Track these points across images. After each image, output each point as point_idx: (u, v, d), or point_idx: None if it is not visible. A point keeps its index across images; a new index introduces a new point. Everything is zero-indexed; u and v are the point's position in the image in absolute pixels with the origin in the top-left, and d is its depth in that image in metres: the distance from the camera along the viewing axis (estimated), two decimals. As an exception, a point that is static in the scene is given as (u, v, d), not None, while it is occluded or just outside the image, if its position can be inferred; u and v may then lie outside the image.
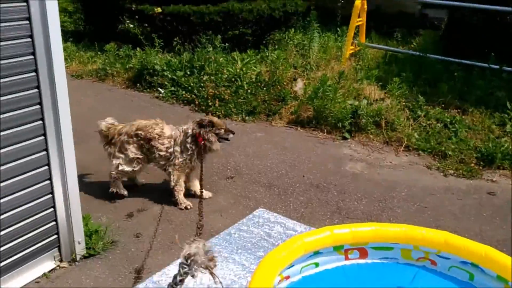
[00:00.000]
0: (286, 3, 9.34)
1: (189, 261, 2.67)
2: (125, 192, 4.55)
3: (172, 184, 4.44)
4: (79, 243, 3.63)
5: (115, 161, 4.45)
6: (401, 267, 3.42)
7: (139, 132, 4.41)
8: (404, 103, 6.58)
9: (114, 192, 4.51)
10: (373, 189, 4.86)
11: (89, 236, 3.76)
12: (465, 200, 4.70)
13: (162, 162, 4.48)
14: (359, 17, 8.85)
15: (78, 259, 3.63)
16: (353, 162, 5.48)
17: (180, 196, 4.46)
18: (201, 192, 4.37)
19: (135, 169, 4.48)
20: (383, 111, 6.22)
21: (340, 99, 6.46)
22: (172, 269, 3.52)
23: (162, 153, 4.40)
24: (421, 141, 5.83)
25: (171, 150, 4.40)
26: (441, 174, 5.24)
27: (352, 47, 8.96)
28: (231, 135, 4.51)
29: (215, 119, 4.50)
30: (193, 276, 2.67)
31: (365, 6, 8.92)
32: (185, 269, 2.66)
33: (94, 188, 4.70)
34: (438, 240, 3.31)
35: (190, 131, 4.39)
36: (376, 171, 5.28)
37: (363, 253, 3.47)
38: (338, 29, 9.30)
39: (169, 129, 4.48)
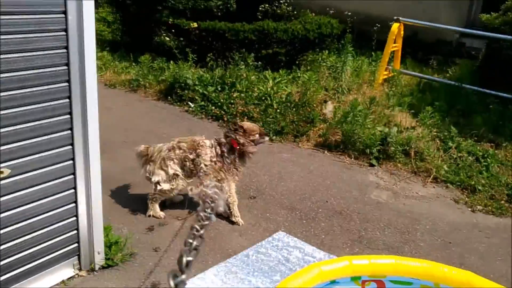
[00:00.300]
0: (322, 25, 9.35)
1: (209, 205, 2.54)
2: (163, 215, 4.49)
3: (226, 196, 4.37)
4: (98, 253, 3.67)
5: (154, 178, 4.37)
6: (419, 304, 3.32)
7: (182, 144, 4.39)
8: (435, 133, 6.46)
9: (151, 215, 4.46)
10: (397, 219, 4.77)
11: (109, 247, 3.79)
12: (493, 238, 4.55)
13: (209, 173, 4.36)
14: (395, 42, 8.78)
15: (96, 269, 3.66)
16: (379, 190, 5.39)
17: (235, 208, 4.43)
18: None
19: (173, 187, 4.40)
20: (413, 140, 6.11)
21: (370, 125, 6.39)
22: (188, 287, 3.50)
23: (207, 163, 4.32)
24: (450, 174, 5.70)
25: (214, 159, 4.35)
26: (469, 209, 5.10)
27: (385, 73, 8.88)
28: (266, 138, 4.56)
29: (246, 124, 4.46)
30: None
31: (402, 32, 8.86)
32: (207, 214, 2.52)
33: (117, 199, 4.76)
34: (460, 280, 3.19)
35: (222, 139, 4.40)
36: (402, 201, 5.18)
37: (380, 286, 3.37)
38: (372, 53, 9.24)
39: (207, 141, 4.44)
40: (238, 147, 4.32)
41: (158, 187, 4.39)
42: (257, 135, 4.41)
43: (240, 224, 4.41)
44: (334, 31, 9.63)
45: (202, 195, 2.57)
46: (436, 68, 9.78)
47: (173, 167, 4.37)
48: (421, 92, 8.33)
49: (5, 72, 2.87)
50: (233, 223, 4.45)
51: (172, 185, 4.40)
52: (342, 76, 8.34)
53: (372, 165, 6.00)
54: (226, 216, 4.48)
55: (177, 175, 4.38)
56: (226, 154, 4.34)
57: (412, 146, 6.09)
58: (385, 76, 8.90)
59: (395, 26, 8.64)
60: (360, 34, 10.31)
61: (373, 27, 9.58)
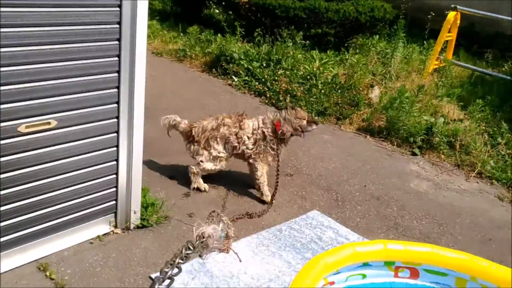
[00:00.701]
0: (374, 8, 9.11)
1: (197, 242, 2.66)
2: (207, 188, 4.48)
3: (257, 176, 4.37)
4: (134, 212, 3.72)
5: (198, 158, 4.39)
6: (453, 295, 3.23)
7: (226, 120, 4.37)
8: (484, 128, 6.22)
9: (195, 188, 4.46)
10: (436, 211, 4.63)
11: (145, 208, 3.84)
12: (536, 239, 4.37)
13: (247, 154, 4.39)
14: (449, 31, 8.47)
15: (131, 227, 3.72)
16: (419, 180, 5.25)
17: (265, 188, 4.38)
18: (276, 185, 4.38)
19: (217, 167, 4.42)
20: (459, 132, 5.90)
21: (416, 113, 6.20)
22: (219, 254, 3.52)
23: (247, 143, 4.33)
24: (497, 170, 5.48)
25: (252, 140, 4.34)
26: (514, 208, 4.91)
27: (436, 62, 8.60)
28: (314, 126, 4.44)
29: (298, 109, 4.44)
30: (200, 256, 2.66)
31: (458, 22, 8.52)
32: (188, 251, 2.66)
33: (156, 164, 4.82)
34: (499, 276, 3.08)
35: (268, 120, 4.36)
36: (442, 193, 5.03)
37: (414, 274, 3.30)
38: (425, 41, 8.94)
39: (251, 122, 4.41)
40: (280, 131, 4.27)
41: (201, 166, 4.39)
42: (304, 122, 4.34)
43: (267, 201, 4.35)
44: (386, 16, 9.37)
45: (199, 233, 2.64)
46: (491, 61, 9.38)
47: (216, 148, 4.35)
48: (472, 85, 8.03)
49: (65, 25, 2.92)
50: (264, 202, 4.42)
51: (215, 165, 4.40)
52: (391, 62, 8.11)
53: (414, 154, 5.84)
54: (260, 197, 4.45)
55: (221, 156, 4.38)
56: (267, 135, 4.31)
57: (458, 139, 5.88)
58: (436, 66, 8.62)
59: (451, 15, 8.32)
60: (413, 22, 10.01)
61: (428, 15, 9.24)
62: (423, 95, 6.79)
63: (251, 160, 4.40)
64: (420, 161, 5.71)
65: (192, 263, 3.39)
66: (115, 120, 3.40)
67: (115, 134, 3.44)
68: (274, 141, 4.33)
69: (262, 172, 4.38)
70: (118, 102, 3.36)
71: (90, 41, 3.09)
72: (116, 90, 3.32)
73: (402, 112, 6.13)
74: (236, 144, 4.35)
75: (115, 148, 3.48)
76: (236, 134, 4.36)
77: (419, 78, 7.95)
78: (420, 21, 9.68)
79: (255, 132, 4.36)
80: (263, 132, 4.33)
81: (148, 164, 4.68)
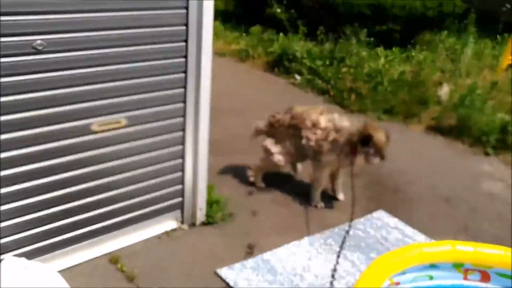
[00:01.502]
0: (443, 2, 8.77)
1: None
2: (263, 185, 4.52)
3: (312, 179, 4.33)
4: (200, 209, 3.81)
5: (272, 150, 4.34)
6: (526, 301, 3.06)
7: (294, 121, 4.25)
8: None
9: (252, 182, 4.53)
10: (510, 213, 4.39)
11: (210, 205, 3.92)
12: None
13: (310, 152, 4.25)
14: (525, 25, 8.01)
15: (197, 224, 3.82)
16: (492, 181, 5.00)
17: (316, 192, 4.28)
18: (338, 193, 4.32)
19: (282, 164, 4.37)
20: (537, 131, 5.58)
21: (489, 111, 5.92)
22: (283, 251, 3.54)
23: (311, 143, 4.16)
24: None
25: (320, 143, 4.14)
26: None
27: (511, 58, 8.14)
28: (376, 160, 3.97)
29: (378, 137, 3.93)
30: None
31: (535, 14, 8.04)
32: None
33: (220, 163, 4.89)
34: None
35: (350, 135, 4.02)
36: (517, 195, 4.77)
37: (485, 277, 3.15)
38: (498, 36, 8.50)
39: (325, 120, 4.18)
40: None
41: (270, 159, 4.35)
42: (372, 150, 3.94)
43: (319, 207, 4.24)
44: (456, 10, 8.99)
45: None
46: None
47: (286, 145, 4.30)
48: (552, 80, 7.53)
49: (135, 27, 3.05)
50: (333, 198, 4.37)
51: (280, 161, 4.34)
52: (461, 58, 7.77)
53: (487, 154, 5.57)
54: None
55: (290, 152, 4.32)
56: (339, 147, 4.06)
57: (536, 138, 5.56)
58: (510, 62, 8.17)
59: (528, 6, 7.86)
60: (485, 15, 9.52)
61: (502, 7, 8.77)
62: (497, 92, 6.46)
63: (314, 162, 4.25)
64: (493, 162, 5.44)
65: (256, 260, 3.43)
66: (182, 119, 3.50)
67: (182, 133, 3.54)
68: (344, 155, 4.05)
69: (318, 178, 4.23)
70: (184, 102, 3.45)
71: (158, 42, 3.20)
72: (183, 90, 3.41)
73: (473, 110, 5.87)
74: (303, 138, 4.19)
75: (181, 146, 3.58)
76: (301, 130, 4.20)
77: (492, 75, 7.56)
78: (493, 15, 9.20)
79: (323, 135, 4.12)
80: (336, 145, 4.07)
81: (213, 163, 4.75)
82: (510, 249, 3.16)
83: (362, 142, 3.92)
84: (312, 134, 4.16)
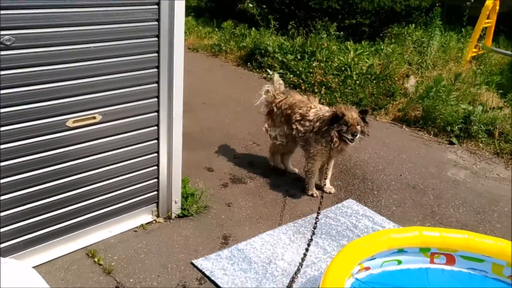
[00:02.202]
0: (410, -4, 9.00)
1: None
2: (283, 167, 4.79)
3: (305, 169, 4.46)
4: (175, 202, 3.88)
5: (270, 133, 4.67)
6: (489, 281, 3.24)
7: (287, 111, 4.45)
8: (524, 115, 6.10)
9: (272, 165, 4.79)
10: (474, 199, 4.61)
11: (185, 198, 3.99)
12: None
13: (302, 143, 4.45)
14: (488, 18, 8.28)
15: (173, 217, 3.89)
16: (457, 169, 5.21)
17: (310, 181, 4.41)
18: (324, 185, 4.44)
19: (284, 143, 4.61)
20: (498, 120, 5.82)
21: (453, 102, 6.14)
22: (257, 241, 3.65)
23: (300, 134, 4.36)
24: (537, 158, 5.39)
25: (308, 135, 4.31)
26: (555, 196, 4.81)
27: (475, 50, 8.44)
28: (349, 136, 4.08)
29: (348, 114, 4.08)
30: None
31: (497, 7, 8.32)
32: None
33: (195, 156, 4.97)
34: (538, 261, 3.08)
35: (325, 120, 4.21)
36: (480, 181, 4.98)
37: (450, 260, 3.34)
38: (462, 29, 8.78)
39: (313, 112, 4.33)
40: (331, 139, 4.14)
41: (273, 140, 4.66)
42: (345, 127, 4.08)
43: (315, 196, 4.39)
44: (422, 4, 9.25)
45: None
46: (532, 48, 9.13)
47: (283, 129, 4.53)
48: (513, 72, 7.85)
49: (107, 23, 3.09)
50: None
51: (282, 142, 4.61)
52: (428, 51, 8.02)
53: (452, 143, 5.79)
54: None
55: (285, 134, 4.54)
56: (321, 137, 4.21)
57: (497, 127, 5.80)
58: (474, 54, 8.46)
59: (490, 1, 8.13)
60: (451, 9, 9.81)
61: (466, 1, 9.05)
62: (461, 84, 6.70)
63: (306, 153, 4.43)
64: (457, 150, 5.66)
65: (231, 250, 3.52)
66: (156, 114, 3.55)
67: (156, 127, 3.60)
68: (330, 144, 4.16)
69: (310, 168, 4.36)
70: (158, 97, 3.51)
71: (130, 38, 3.24)
72: (156, 85, 3.47)
73: (438, 101, 6.08)
74: (293, 129, 4.40)
75: (155, 141, 3.64)
76: (292, 122, 4.41)
77: (457, 67, 7.83)
78: (458, 8, 9.49)
79: (311, 126, 4.30)
80: (320, 135, 4.22)
81: (187, 156, 4.81)
82: (473, 233, 3.35)
83: (334, 120, 4.10)
84: (301, 127, 4.35)
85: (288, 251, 3.56)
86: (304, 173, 4.50)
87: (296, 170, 4.89)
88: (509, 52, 8.60)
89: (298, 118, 4.38)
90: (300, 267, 3.25)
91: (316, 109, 4.38)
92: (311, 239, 3.48)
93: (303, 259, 3.29)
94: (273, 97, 4.63)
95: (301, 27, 8.52)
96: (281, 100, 4.56)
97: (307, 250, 3.37)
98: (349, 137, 4.10)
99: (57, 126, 3.08)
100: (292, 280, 3.18)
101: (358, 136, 4.13)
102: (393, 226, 4.00)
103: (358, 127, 4.11)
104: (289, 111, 4.45)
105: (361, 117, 4.17)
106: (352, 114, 4.11)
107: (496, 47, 8.82)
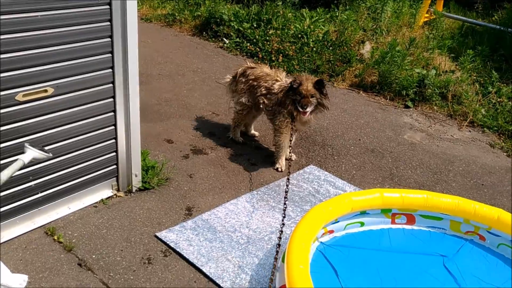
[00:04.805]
0: (363, -38, 8.97)
1: None
2: (241, 140, 4.75)
3: (273, 143, 4.43)
4: (135, 175, 3.80)
5: (234, 99, 4.62)
6: (447, 238, 3.38)
7: (254, 82, 4.39)
8: (475, 77, 6.29)
9: (231, 137, 4.76)
10: (430, 160, 4.75)
11: (146, 171, 3.92)
12: (527, 182, 4.51)
13: (270, 117, 4.41)
14: (438, -17, 8.40)
15: (133, 190, 3.81)
16: (413, 132, 5.34)
17: (278, 155, 4.35)
18: (290, 155, 4.44)
19: (244, 113, 4.57)
20: (451, 83, 5.97)
21: (408, 67, 6.25)
22: (221, 210, 3.64)
23: (268, 108, 4.33)
24: (488, 118, 5.59)
25: (274, 108, 4.27)
26: (504, 154, 5.03)
27: (427, 15, 8.57)
28: (300, 108, 4.02)
29: (304, 85, 4.02)
30: None
31: (447, -28, 8.44)
32: None
33: (154, 128, 4.87)
34: (491, 216, 3.22)
35: (284, 90, 4.20)
36: (435, 143, 5.14)
37: (410, 220, 3.44)
38: (414, -6, 8.88)
39: (279, 85, 4.28)
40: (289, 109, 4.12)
41: (235, 106, 4.63)
42: (298, 97, 4.03)
43: (279, 170, 4.33)
44: (375, -30, 9.23)
45: None
46: (481, 12, 9.36)
47: (246, 97, 4.48)
48: (463, 36, 8.04)
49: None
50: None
51: (241, 109, 4.56)
52: (382, 17, 8.08)
53: (407, 107, 5.92)
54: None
55: (247, 105, 4.51)
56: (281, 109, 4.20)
57: (450, 89, 5.96)
58: (426, 19, 8.59)
59: (441, -35, 8.23)
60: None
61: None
62: (414, 48, 6.81)
63: (274, 126, 4.38)
64: (413, 114, 5.79)
65: (195, 220, 3.50)
66: (111, 85, 3.43)
67: (112, 99, 3.48)
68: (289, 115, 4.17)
69: (278, 141, 4.31)
70: (112, 68, 3.37)
71: (81, 6, 3.08)
72: (110, 55, 3.34)
73: (393, 66, 6.17)
74: (260, 103, 4.38)
75: (112, 113, 3.52)
76: (257, 95, 4.38)
77: (410, 32, 7.94)
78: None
79: (276, 95, 4.27)
80: (280, 106, 4.21)
81: (146, 128, 4.72)
82: (431, 192, 3.45)
83: (291, 89, 4.07)
84: (267, 100, 4.31)
85: (252, 218, 3.57)
86: (274, 147, 4.46)
87: (257, 134, 4.90)
88: (459, 17, 8.79)
89: (263, 92, 4.34)
90: (279, 241, 3.18)
91: (282, 82, 4.33)
92: (286, 207, 3.43)
93: (281, 233, 3.21)
94: (243, 70, 4.55)
95: (256, -5, 8.38)
96: (249, 68, 4.51)
97: (284, 217, 3.34)
98: (300, 109, 4.04)
99: (5, 100, 2.92)
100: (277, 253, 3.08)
101: (310, 109, 4.05)
102: (354, 189, 4.08)
103: (313, 99, 4.05)
104: (254, 83, 4.39)
105: (317, 88, 4.07)
106: (307, 85, 4.04)
107: (447, 12, 8.99)
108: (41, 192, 3.32)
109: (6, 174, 2.58)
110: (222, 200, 3.81)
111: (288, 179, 3.76)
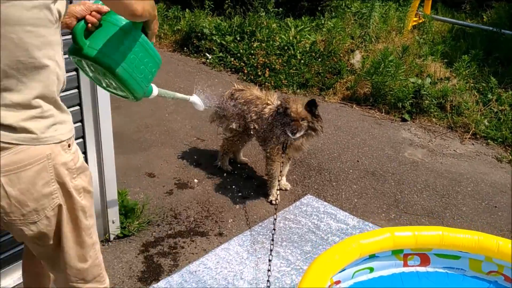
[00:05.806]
0: (346, -34, 8.65)
1: None
2: (230, 168, 4.34)
3: (265, 172, 4.07)
4: (113, 222, 3.37)
5: (223, 126, 4.22)
6: (468, 280, 2.99)
7: (244, 107, 3.97)
8: (472, 84, 5.96)
9: (219, 166, 4.35)
10: (435, 181, 4.38)
11: (125, 214, 3.49)
12: (542, 201, 4.16)
13: (261, 143, 4.08)
14: (426, -15, 8.11)
15: (111, 239, 3.37)
16: (413, 148, 4.98)
17: (271, 186, 3.94)
18: (285, 185, 4.12)
19: (235, 139, 4.19)
20: (448, 92, 5.63)
21: (402, 76, 5.89)
22: (211, 259, 3.21)
23: (259, 134, 3.97)
24: (491, 129, 5.24)
25: (266, 134, 3.89)
26: (514, 168, 4.69)
27: (415, 19, 8.26)
28: (289, 134, 3.61)
29: (293, 107, 3.62)
30: None
31: (434, -26, 8.15)
32: None
33: (133, 160, 4.44)
34: (518, 254, 2.84)
35: (271, 115, 3.84)
36: (438, 160, 4.77)
37: (424, 260, 3.05)
38: (400, -3, 8.57)
39: (269, 109, 3.89)
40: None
41: (225, 133, 4.24)
42: (288, 119, 3.64)
43: (274, 203, 3.91)
44: (359, -26, 8.91)
45: None
46: (469, 12, 9.09)
47: (237, 123, 4.08)
48: (454, 39, 7.72)
49: None
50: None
51: (234, 140, 4.20)
52: (370, 22, 7.73)
53: (404, 120, 5.56)
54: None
55: (238, 131, 4.13)
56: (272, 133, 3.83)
57: (448, 99, 5.62)
58: (415, 23, 8.28)
59: (427, -33, 7.94)
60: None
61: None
62: (406, 56, 6.47)
63: (266, 153, 4.01)
64: (411, 127, 5.43)
65: (181, 274, 3.07)
66: (77, 107, 2.93)
67: (80, 124, 2.98)
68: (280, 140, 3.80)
69: (270, 170, 3.93)
70: (78, 87, 2.89)
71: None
72: (74, 72, 2.87)
73: (387, 76, 5.82)
74: (250, 128, 4.02)
75: (81, 140, 3.04)
76: (247, 121, 4.01)
77: (399, 37, 7.61)
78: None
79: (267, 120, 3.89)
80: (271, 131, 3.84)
81: (123, 161, 4.30)
82: (447, 228, 3.07)
83: (279, 113, 3.70)
84: (258, 126, 3.94)
85: (247, 266, 3.16)
86: (267, 177, 4.06)
87: (247, 160, 4.51)
88: (448, 19, 8.50)
89: (254, 118, 3.94)
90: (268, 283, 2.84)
91: (272, 105, 3.92)
92: (271, 251, 3.06)
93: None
94: (234, 91, 4.14)
95: (238, 6, 7.99)
96: (237, 90, 4.10)
97: (270, 264, 2.97)
98: (289, 134, 3.62)
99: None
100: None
101: (300, 134, 3.63)
102: (357, 222, 3.68)
103: (304, 123, 3.64)
104: (245, 107, 3.97)
105: (308, 110, 3.67)
106: (297, 107, 3.62)
107: (434, 14, 8.69)
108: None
109: (164, 91, 2.55)
110: (212, 244, 3.39)
111: (275, 218, 3.40)
